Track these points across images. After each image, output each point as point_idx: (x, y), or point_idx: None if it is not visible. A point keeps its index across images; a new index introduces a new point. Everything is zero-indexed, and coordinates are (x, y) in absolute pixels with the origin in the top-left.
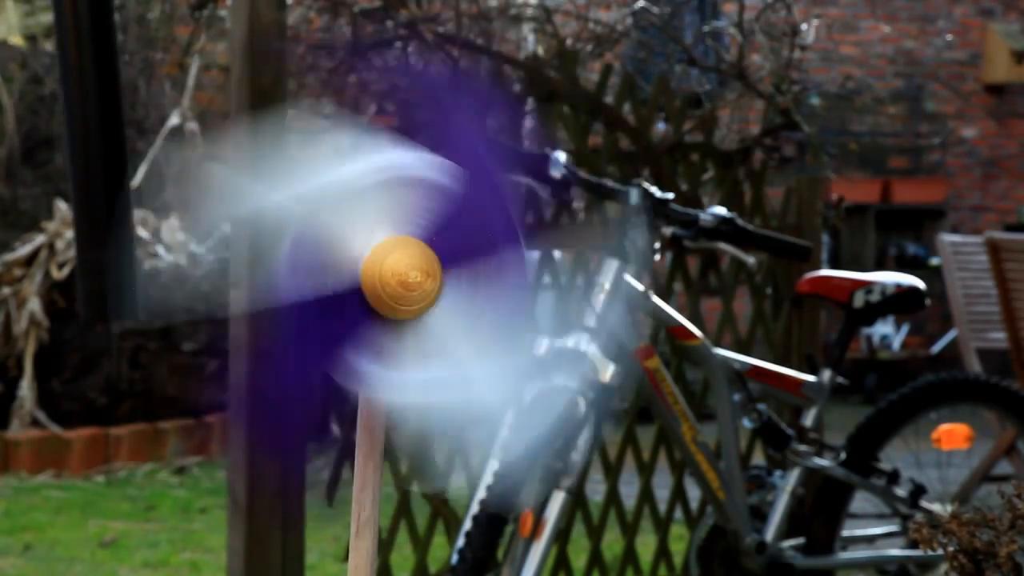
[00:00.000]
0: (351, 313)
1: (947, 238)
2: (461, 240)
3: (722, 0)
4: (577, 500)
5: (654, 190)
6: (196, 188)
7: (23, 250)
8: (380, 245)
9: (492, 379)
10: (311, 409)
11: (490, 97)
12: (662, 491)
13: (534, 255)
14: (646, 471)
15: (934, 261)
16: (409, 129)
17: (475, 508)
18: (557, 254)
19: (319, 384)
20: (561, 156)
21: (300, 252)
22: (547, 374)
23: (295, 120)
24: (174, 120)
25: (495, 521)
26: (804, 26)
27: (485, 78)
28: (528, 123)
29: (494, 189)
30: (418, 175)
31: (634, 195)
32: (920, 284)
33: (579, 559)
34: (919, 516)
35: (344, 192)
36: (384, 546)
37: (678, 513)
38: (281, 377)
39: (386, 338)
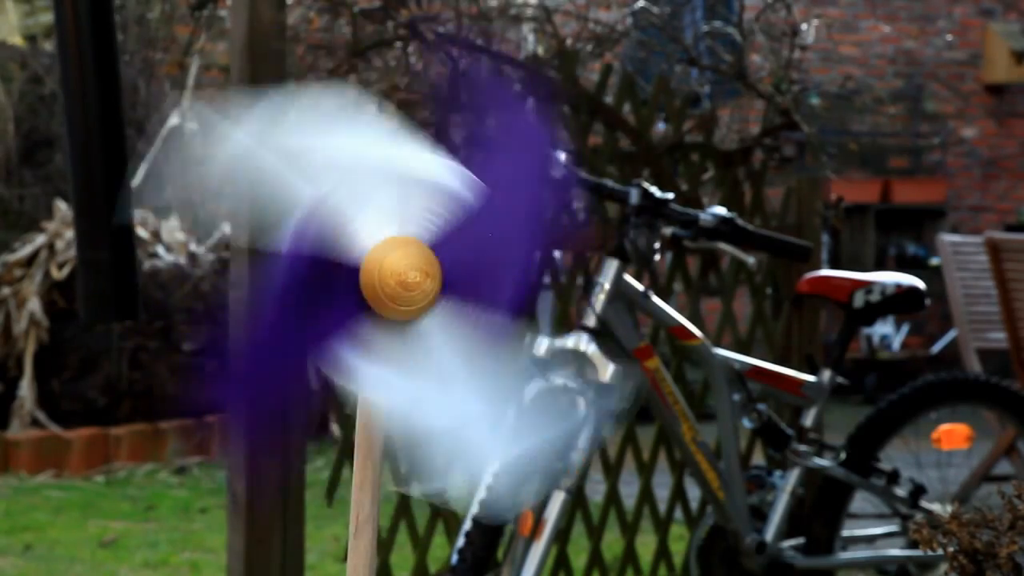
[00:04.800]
0: (346, 306)
1: (947, 238)
2: (468, 255)
3: (725, 0)
4: (577, 500)
5: (654, 190)
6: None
7: (23, 250)
8: (380, 244)
9: (476, 393)
10: (304, 400)
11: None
12: (662, 491)
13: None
14: (646, 471)
15: (934, 261)
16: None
17: (475, 508)
18: (557, 254)
19: (312, 377)
20: (561, 156)
21: (306, 232)
22: (547, 374)
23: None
24: (174, 120)
25: (495, 521)
26: (804, 26)
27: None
28: None
29: (522, 216)
30: (440, 180)
31: (634, 195)
32: (920, 284)
33: (579, 559)
34: (919, 516)
35: (367, 178)
36: (384, 546)
37: (678, 513)
38: (274, 364)
39: (384, 338)
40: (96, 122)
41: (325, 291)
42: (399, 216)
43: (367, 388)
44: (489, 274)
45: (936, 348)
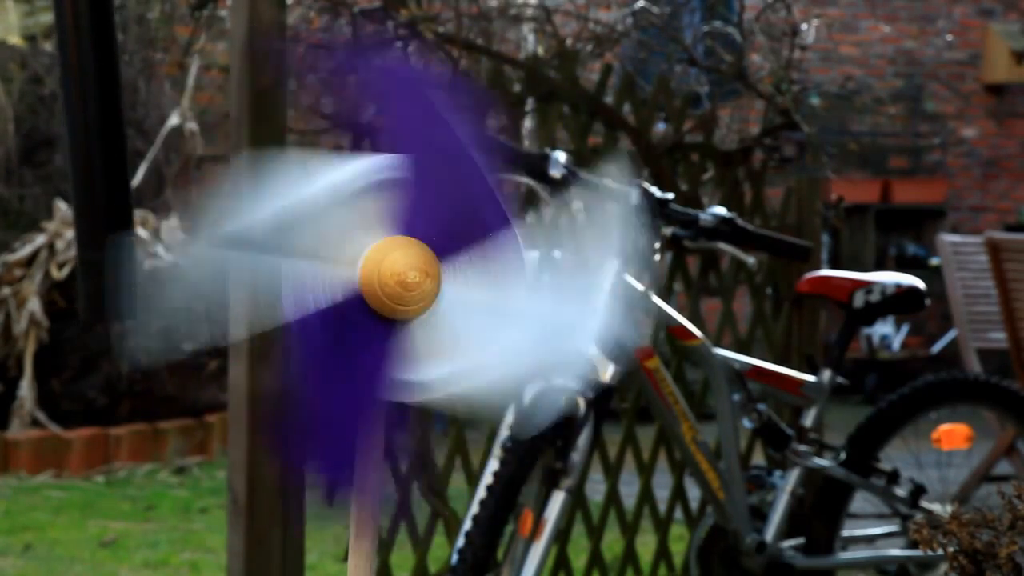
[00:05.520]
0: (356, 319)
1: (947, 238)
2: (450, 228)
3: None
4: (577, 500)
5: (654, 190)
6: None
7: (23, 250)
8: (377, 246)
9: (506, 359)
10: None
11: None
12: (662, 491)
13: (534, 255)
14: (646, 471)
15: (934, 261)
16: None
17: (475, 508)
18: (557, 254)
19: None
20: (561, 156)
21: (296, 274)
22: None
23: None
24: (174, 120)
25: (495, 521)
26: (804, 26)
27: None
28: (528, 123)
29: (469, 172)
30: (387, 176)
31: (634, 195)
32: (920, 284)
33: (579, 559)
34: (919, 516)
35: (325, 206)
36: (384, 546)
37: (678, 513)
38: (309, 396)
39: (389, 338)
40: (96, 122)
41: (349, 334)
42: (377, 222)
43: (386, 392)
44: (465, 216)
45: (936, 348)
